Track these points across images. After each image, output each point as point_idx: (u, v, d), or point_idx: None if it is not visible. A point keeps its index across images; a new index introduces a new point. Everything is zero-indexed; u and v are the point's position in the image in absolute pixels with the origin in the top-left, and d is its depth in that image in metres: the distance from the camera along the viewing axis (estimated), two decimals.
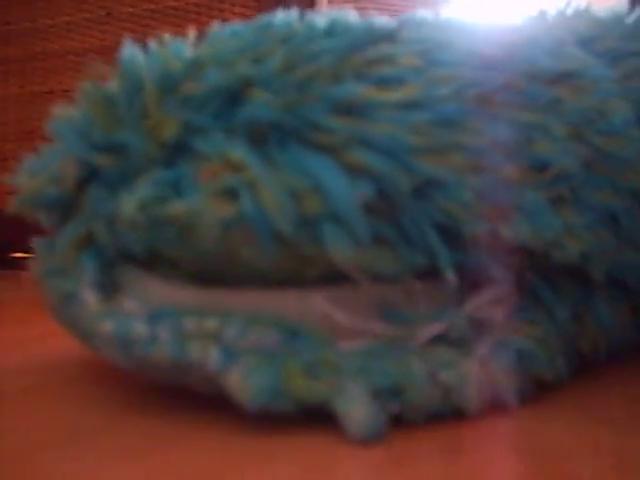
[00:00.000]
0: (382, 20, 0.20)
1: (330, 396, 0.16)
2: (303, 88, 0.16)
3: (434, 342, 0.18)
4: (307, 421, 0.16)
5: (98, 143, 0.17)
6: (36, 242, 0.20)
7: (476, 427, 0.17)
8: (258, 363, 0.16)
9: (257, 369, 0.15)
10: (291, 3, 0.84)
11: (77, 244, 0.18)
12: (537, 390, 0.20)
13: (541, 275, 0.20)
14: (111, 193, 0.17)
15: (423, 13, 0.23)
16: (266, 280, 0.17)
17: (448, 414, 0.17)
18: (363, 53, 0.18)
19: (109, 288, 0.18)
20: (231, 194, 0.15)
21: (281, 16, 0.19)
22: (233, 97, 0.16)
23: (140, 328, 0.16)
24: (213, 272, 0.18)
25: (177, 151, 0.16)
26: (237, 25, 0.19)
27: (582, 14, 0.29)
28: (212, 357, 0.16)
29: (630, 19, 0.29)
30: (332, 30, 0.18)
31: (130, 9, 0.92)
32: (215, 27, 0.19)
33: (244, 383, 0.15)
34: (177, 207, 0.15)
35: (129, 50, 0.18)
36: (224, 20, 0.85)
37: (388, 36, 0.19)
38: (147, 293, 0.18)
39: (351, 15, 0.19)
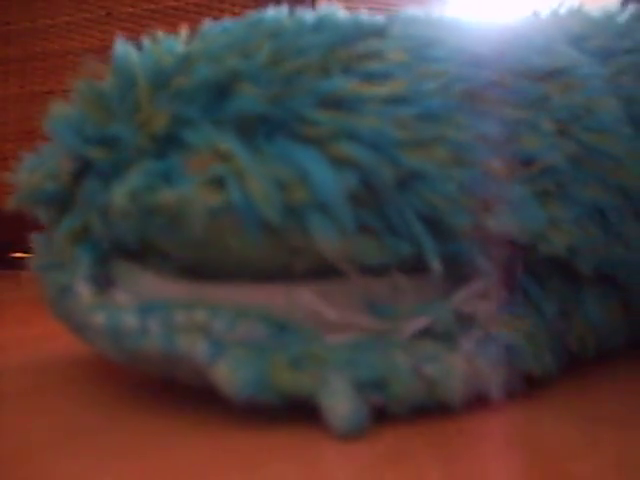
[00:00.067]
0: (371, 17, 0.20)
1: (315, 389, 0.16)
2: (290, 82, 0.17)
3: (420, 336, 0.18)
4: (309, 418, 0.17)
5: (91, 137, 0.17)
6: (34, 238, 0.20)
7: (472, 425, 0.17)
8: (245, 356, 0.16)
9: (244, 362, 0.16)
10: (290, 3, 0.84)
11: (73, 237, 0.19)
12: (532, 387, 0.20)
13: (529, 270, 0.21)
14: (104, 185, 0.17)
15: (414, 11, 0.23)
16: (255, 273, 0.18)
17: (433, 407, 0.17)
18: (351, 48, 0.18)
19: (103, 282, 0.19)
20: (219, 183, 0.16)
21: (271, 12, 0.19)
22: (222, 90, 0.17)
23: (131, 320, 0.17)
24: (204, 266, 0.18)
25: (168, 143, 0.17)
26: (228, 22, 0.19)
27: (575, 13, 0.29)
28: (200, 350, 0.16)
29: (622, 18, 0.29)
30: (320, 25, 0.18)
31: (130, 9, 0.92)
32: (207, 24, 0.19)
33: (231, 375, 0.16)
34: (167, 196, 0.16)
35: (122, 47, 0.18)
36: (224, 20, 0.85)
37: (377, 32, 0.19)
38: (139, 287, 0.18)
39: (340, 11, 0.19)
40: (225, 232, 0.16)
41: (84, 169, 0.18)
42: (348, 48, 0.18)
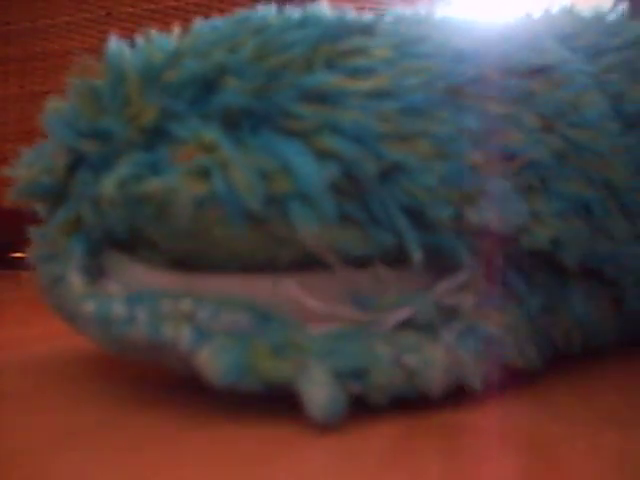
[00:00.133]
0: (359, 15, 0.21)
1: (295, 377, 0.16)
2: (275, 76, 0.17)
3: (402, 327, 0.18)
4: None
5: (84, 131, 0.18)
6: (32, 231, 0.21)
7: (472, 423, 0.17)
8: (228, 343, 0.16)
9: (227, 349, 0.16)
10: (291, 3, 0.84)
11: (66, 229, 0.19)
12: (532, 387, 0.21)
13: (513, 264, 0.21)
14: (96, 177, 0.18)
15: (403, 9, 0.24)
16: (242, 265, 0.18)
17: (412, 397, 0.18)
18: (336, 44, 0.18)
19: (95, 272, 0.19)
20: (204, 174, 0.16)
21: (260, 10, 0.20)
22: (208, 84, 0.17)
23: (119, 309, 0.17)
24: (192, 257, 0.18)
25: (156, 136, 0.17)
26: (218, 19, 0.20)
27: (565, 13, 0.30)
28: (184, 337, 0.17)
29: (612, 17, 0.29)
30: (305, 22, 0.18)
31: (130, 9, 0.92)
32: (198, 22, 0.20)
33: (213, 362, 0.16)
34: (153, 185, 0.16)
35: (115, 45, 0.19)
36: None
37: (363, 29, 0.20)
38: (130, 277, 0.19)
39: (325, 9, 0.20)
40: (210, 222, 0.17)
41: (77, 162, 0.18)
42: (333, 44, 0.18)
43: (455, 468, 0.14)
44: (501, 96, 0.20)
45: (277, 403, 0.18)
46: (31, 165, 0.20)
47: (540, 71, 0.22)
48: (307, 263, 0.18)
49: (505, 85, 0.21)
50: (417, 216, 0.18)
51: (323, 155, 0.17)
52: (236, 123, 0.17)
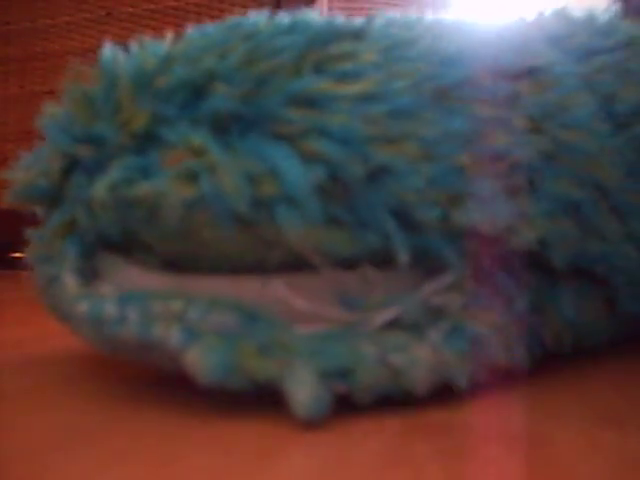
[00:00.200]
0: (348, 20, 0.21)
1: (280, 376, 0.17)
2: (263, 81, 0.18)
3: (389, 327, 0.19)
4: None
5: (78, 136, 0.18)
6: (29, 232, 0.21)
7: (472, 422, 0.18)
8: (216, 343, 0.17)
9: (214, 348, 0.17)
10: (290, 3, 0.84)
11: (61, 231, 0.20)
12: (532, 386, 0.21)
13: (502, 264, 0.21)
14: (90, 180, 0.18)
15: (392, 13, 0.24)
16: (231, 266, 0.19)
17: (397, 396, 0.18)
18: (324, 49, 0.19)
19: (89, 274, 0.20)
20: (193, 177, 0.17)
21: (251, 16, 0.20)
22: (198, 90, 0.18)
23: (111, 309, 0.18)
24: (183, 259, 0.19)
25: (147, 140, 0.18)
26: (209, 25, 0.20)
27: (558, 15, 0.30)
28: (174, 337, 0.17)
29: (604, 18, 0.30)
30: (294, 28, 0.19)
31: (130, 9, 0.92)
32: (190, 28, 0.20)
33: (201, 361, 0.16)
34: (143, 188, 0.17)
35: (109, 50, 0.19)
36: (224, 20, 0.85)
37: (352, 34, 0.20)
38: (123, 279, 0.19)
39: (314, 14, 0.20)
40: (199, 225, 0.17)
41: (72, 166, 0.19)
42: (321, 49, 0.19)
43: (455, 468, 0.14)
44: (488, 98, 0.21)
45: (276, 402, 0.18)
46: (28, 168, 0.20)
47: (528, 73, 0.23)
48: (296, 264, 0.18)
49: (492, 87, 0.21)
50: (405, 218, 0.18)
51: (310, 158, 0.17)
52: (225, 128, 0.17)
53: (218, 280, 0.19)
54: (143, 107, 0.17)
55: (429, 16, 0.26)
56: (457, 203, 0.19)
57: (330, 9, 0.86)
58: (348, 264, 0.19)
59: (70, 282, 0.19)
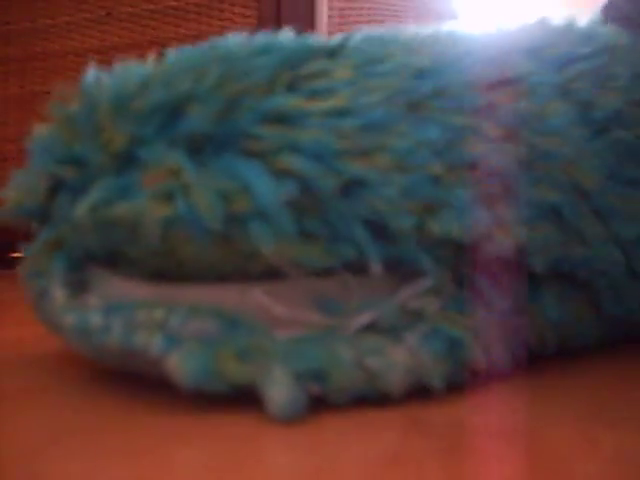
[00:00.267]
0: (324, 39, 0.22)
1: (258, 379, 0.17)
2: (236, 101, 0.18)
3: (366, 331, 0.19)
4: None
5: (61, 157, 0.19)
6: (23, 247, 0.22)
7: (472, 421, 0.18)
8: (196, 348, 0.18)
9: (194, 354, 0.17)
10: (290, 3, 0.84)
11: (49, 248, 0.21)
12: (532, 385, 0.21)
13: (481, 268, 0.21)
14: (73, 200, 0.19)
15: (371, 30, 0.24)
16: (213, 277, 0.19)
17: (373, 398, 0.18)
18: (297, 69, 0.20)
19: (77, 287, 0.20)
20: (169, 197, 0.17)
21: (227, 38, 0.21)
22: (174, 112, 0.18)
23: (96, 320, 0.19)
24: (168, 270, 0.20)
25: (126, 161, 0.18)
26: (189, 48, 0.21)
27: (538, 24, 0.30)
28: (155, 344, 0.18)
29: (583, 25, 0.30)
30: (268, 48, 0.20)
31: (130, 9, 0.92)
32: (170, 52, 0.21)
33: (181, 366, 0.17)
34: (122, 208, 0.18)
35: (92, 74, 0.20)
36: (224, 20, 0.85)
37: (326, 53, 0.21)
38: (109, 290, 0.20)
39: (288, 35, 0.21)
40: (178, 242, 0.18)
41: (58, 186, 0.20)
42: (294, 69, 0.19)
43: (455, 467, 0.14)
44: (460, 108, 0.21)
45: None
46: (18, 187, 0.21)
47: (501, 84, 0.23)
48: (275, 273, 0.19)
49: (464, 98, 0.21)
50: (379, 228, 0.19)
51: (282, 174, 0.18)
52: (200, 147, 0.18)
53: (200, 289, 0.19)
54: (122, 129, 0.18)
55: (410, 27, 0.26)
56: (432, 212, 0.19)
57: (330, 9, 0.86)
58: (325, 272, 0.19)
59: (58, 295, 0.20)
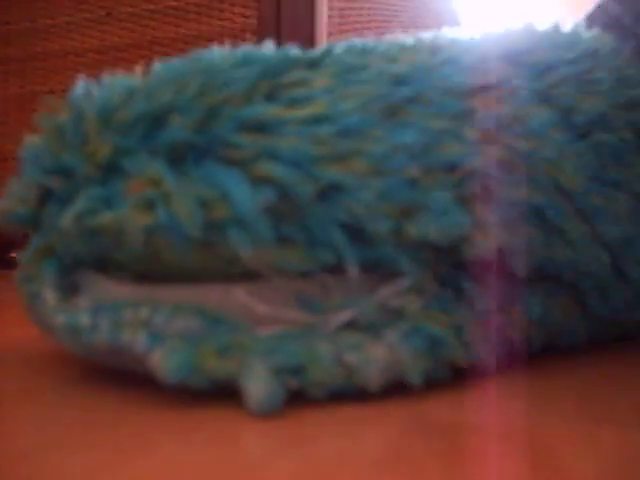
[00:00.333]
0: (304, 50, 0.22)
1: (238, 374, 0.18)
2: (215, 111, 0.19)
3: (346, 328, 0.20)
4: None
5: (49, 167, 0.20)
6: (17, 253, 0.23)
7: (472, 421, 0.18)
8: (178, 345, 0.18)
9: (176, 350, 0.18)
10: (290, 3, 0.85)
11: (40, 254, 0.22)
12: (532, 385, 0.21)
13: (462, 267, 0.22)
14: (61, 209, 0.20)
15: (352, 40, 0.25)
16: (197, 278, 0.20)
17: (351, 393, 0.19)
18: (276, 79, 0.20)
19: (68, 290, 0.21)
20: (150, 206, 0.18)
21: (210, 50, 0.22)
22: (156, 122, 0.19)
23: (85, 319, 0.20)
24: (152, 273, 0.21)
25: (110, 171, 0.19)
26: (175, 60, 0.21)
27: (523, 29, 0.30)
28: (140, 341, 0.19)
29: (567, 29, 0.30)
30: (248, 59, 0.20)
31: (130, 9, 0.92)
32: (157, 64, 0.22)
33: (164, 362, 0.18)
34: (106, 217, 0.18)
35: (81, 86, 0.21)
36: (224, 20, 0.85)
37: (307, 64, 0.21)
38: (98, 292, 0.21)
39: (268, 47, 0.22)
40: (160, 248, 0.19)
41: (47, 194, 0.21)
42: (274, 79, 0.20)
43: (454, 468, 0.14)
44: (439, 113, 0.22)
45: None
46: (10, 195, 0.22)
47: (480, 91, 0.23)
48: (258, 275, 0.20)
49: (443, 103, 0.22)
50: (357, 232, 0.20)
51: (260, 181, 0.18)
52: (181, 156, 0.19)
53: (184, 289, 0.20)
54: (107, 139, 0.19)
55: (394, 35, 0.27)
56: (409, 215, 0.20)
57: (330, 9, 0.87)
58: (304, 274, 0.20)
59: (49, 298, 0.21)
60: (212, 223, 0.18)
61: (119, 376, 0.22)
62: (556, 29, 0.30)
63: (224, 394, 0.19)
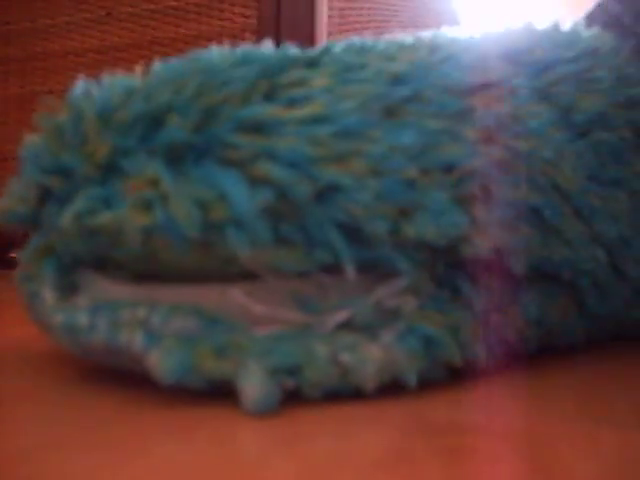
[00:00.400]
0: (303, 49, 0.22)
1: (234, 374, 0.18)
2: (214, 111, 0.19)
3: (342, 328, 0.20)
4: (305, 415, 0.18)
5: (48, 167, 0.20)
6: (17, 253, 0.23)
7: (472, 422, 0.18)
8: (175, 345, 0.18)
9: (173, 351, 0.18)
10: (290, 3, 0.85)
11: (40, 253, 0.22)
12: (532, 385, 0.21)
13: (459, 267, 0.22)
14: (60, 209, 0.20)
15: (351, 39, 0.25)
16: (195, 278, 0.20)
17: (347, 393, 0.19)
18: (275, 78, 0.20)
19: (67, 289, 0.21)
20: (148, 206, 0.18)
21: (209, 50, 0.22)
22: (155, 122, 0.19)
23: (83, 319, 0.20)
24: (151, 273, 0.21)
25: (109, 171, 0.19)
26: (174, 60, 0.21)
27: (523, 28, 0.30)
28: (137, 341, 0.19)
29: (566, 28, 0.30)
30: (247, 59, 0.20)
31: (130, 9, 0.92)
32: (157, 64, 0.22)
33: (161, 362, 0.18)
34: (105, 218, 0.18)
35: (80, 86, 0.21)
36: (224, 20, 0.85)
37: (305, 63, 0.21)
38: (97, 291, 0.21)
39: (267, 46, 0.22)
40: (158, 248, 0.19)
41: (47, 194, 0.21)
42: (272, 79, 0.20)
43: (454, 468, 0.14)
44: (437, 113, 0.22)
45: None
46: (10, 194, 0.22)
47: (479, 89, 0.23)
48: (255, 275, 0.20)
49: (441, 103, 0.22)
50: (354, 232, 0.20)
51: (258, 182, 0.18)
52: (179, 157, 0.19)
53: (181, 289, 0.20)
54: (106, 140, 0.19)
55: (393, 34, 0.27)
56: (406, 215, 0.20)
57: (330, 9, 0.87)
58: (302, 274, 0.20)
59: (48, 297, 0.21)
60: (210, 223, 0.18)
61: (118, 376, 0.22)
62: (556, 28, 0.30)
63: (221, 393, 0.19)
